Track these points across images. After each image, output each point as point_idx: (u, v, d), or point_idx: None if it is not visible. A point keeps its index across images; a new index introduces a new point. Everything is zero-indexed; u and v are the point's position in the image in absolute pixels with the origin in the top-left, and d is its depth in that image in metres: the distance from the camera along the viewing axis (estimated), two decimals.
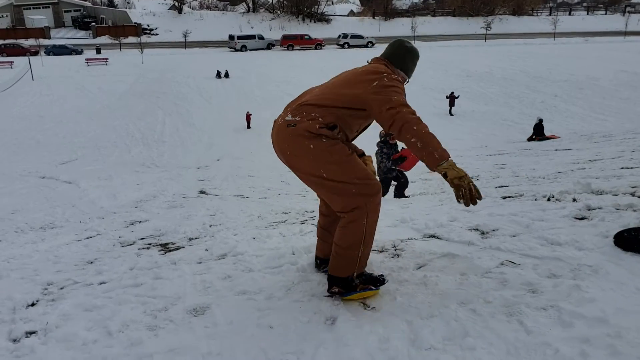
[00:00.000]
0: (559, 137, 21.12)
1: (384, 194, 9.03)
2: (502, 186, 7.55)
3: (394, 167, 9.53)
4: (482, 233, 4.30)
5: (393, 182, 9.85)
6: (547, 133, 21.55)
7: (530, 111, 28.88)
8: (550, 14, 75.31)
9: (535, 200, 5.53)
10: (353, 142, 3.37)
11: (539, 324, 2.70)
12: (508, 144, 20.48)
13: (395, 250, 4.05)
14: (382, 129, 3.05)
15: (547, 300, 2.92)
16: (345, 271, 3.14)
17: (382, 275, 3.36)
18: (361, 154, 3.43)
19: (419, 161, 7.68)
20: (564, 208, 4.81)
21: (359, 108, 3.04)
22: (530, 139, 21.22)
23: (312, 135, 2.97)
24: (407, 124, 2.84)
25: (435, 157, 2.82)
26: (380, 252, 4.04)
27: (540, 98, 32.02)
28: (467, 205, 2.79)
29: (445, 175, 2.82)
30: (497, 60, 43.94)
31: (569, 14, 79.66)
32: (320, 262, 3.62)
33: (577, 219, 4.43)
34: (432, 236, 4.37)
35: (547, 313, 2.80)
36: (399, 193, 9.63)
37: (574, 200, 5.12)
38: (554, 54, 47.05)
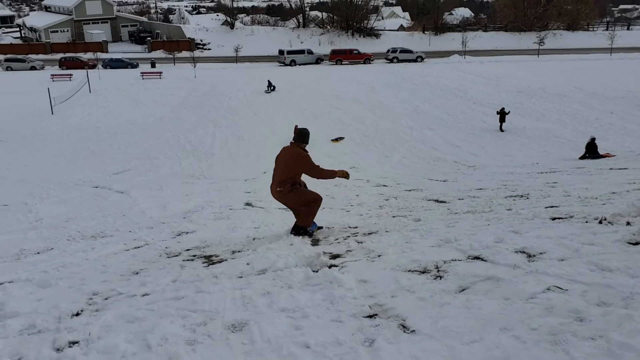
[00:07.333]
0: (614, 156, 20.39)
1: None
2: (552, 206, 7.33)
3: None
4: (529, 256, 4.17)
5: None
6: (601, 151, 20.84)
7: (584, 128, 27.98)
8: (607, 29, 73.06)
9: (586, 222, 5.34)
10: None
11: (586, 355, 2.58)
12: (560, 162, 19.90)
13: (438, 271, 3.97)
14: None
15: (596, 330, 2.80)
16: (306, 224, 6.62)
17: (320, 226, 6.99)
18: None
19: None
20: (616, 232, 4.63)
21: (300, 173, 6.52)
22: (582, 158, 20.58)
23: (290, 190, 6.42)
24: (317, 175, 6.45)
25: (332, 178, 6.62)
26: (422, 272, 3.97)
27: (595, 115, 30.99)
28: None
29: (340, 177, 6.54)
30: (550, 76, 42.86)
31: (628, 29, 77.11)
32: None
33: (630, 244, 4.25)
34: (477, 258, 4.27)
35: (595, 343, 2.68)
36: None
37: (628, 223, 4.91)
38: (610, 70, 45.58)
